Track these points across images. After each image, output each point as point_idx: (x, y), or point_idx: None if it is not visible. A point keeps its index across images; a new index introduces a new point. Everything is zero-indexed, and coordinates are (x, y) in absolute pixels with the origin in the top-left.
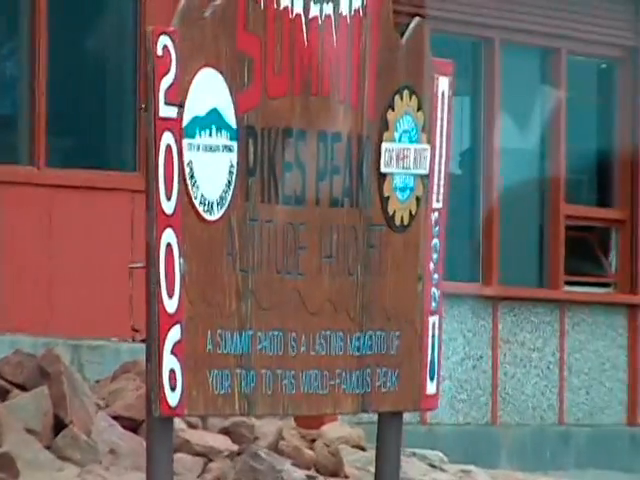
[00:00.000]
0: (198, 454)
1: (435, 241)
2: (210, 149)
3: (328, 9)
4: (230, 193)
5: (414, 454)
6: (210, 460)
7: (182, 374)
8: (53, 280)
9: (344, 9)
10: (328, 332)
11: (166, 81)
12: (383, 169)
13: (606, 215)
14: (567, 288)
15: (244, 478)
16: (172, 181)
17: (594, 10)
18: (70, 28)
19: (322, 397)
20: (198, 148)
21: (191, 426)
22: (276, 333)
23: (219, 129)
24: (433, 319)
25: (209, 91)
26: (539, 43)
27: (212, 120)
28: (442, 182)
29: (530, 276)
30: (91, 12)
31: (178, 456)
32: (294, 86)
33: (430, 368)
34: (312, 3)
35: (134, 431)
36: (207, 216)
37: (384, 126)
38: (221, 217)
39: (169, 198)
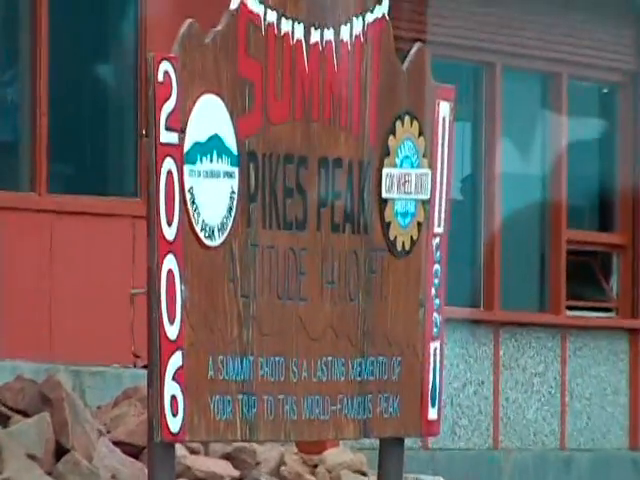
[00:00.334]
0: None
1: (436, 266)
2: (211, 175)
3: (329, 35)
4: (231, 219)
5: (416, 479)
6: None
7: (183, 400)
8: (54, 306)
9: (345, 35)
10: (329, 358)
11: (167, 107)
12: (384, 194)
13: (607, 240)
14: (569, 313)
15: None
16: (173, 207)
17: (595, 35)
18: (71, 54)
19: (324, 423)
20: (199, 174)
21: (193, 452)
22: (277, 359)
23: (220, 155)
24: (434, 345)
25: (210, 117)
26: (540, 68)
27: (213, 146)
28: (443, 207)
29: (531, 301)
30: (92, 38)
31: None
32: (295, 112)
33: (432, 394)
34: (313, 29)
35: (136, 457)
36: (208, 242)
37: (385, 151)
38: (222, 243)
39: (170, 224)
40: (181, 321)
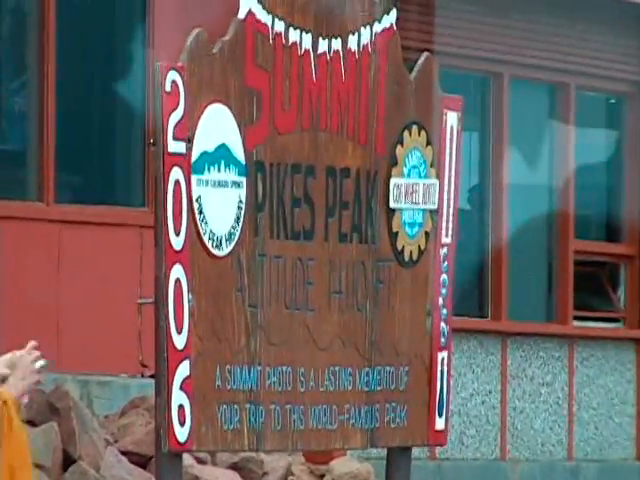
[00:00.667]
0: None
1: (444, 276)
2: (219, 184)
3: (337, 45)
4: (239, 229)
5: None
6: None
7: (191, 409)
8: (62, 315)
9: (352, 45)
10: (337, 367)
11: (175, 116)
12: (392, 204)
13: (615, 250)
14: (576, 323)
15: None
16: (181, 217)
17: (603, 45)
18: (79, 63)
19: (331, 432)
20: (207, 184)
21: (200, 462)
22: (285, 368)
23: (228, 164)
24: (442, 354)
25: (218, 126)
26: (548, 78)
27: (221, 155)
28: (451, 217)
29: (539, 311)
30: (100, 47)
31: None
32: (303, 121)
33: (439, 403)
34: (320, 39)
35: (143, 466)
36: (216, 251)
37: (393, 161)
38: (230, 252)
39: (178, 234)
40: (188, 331)
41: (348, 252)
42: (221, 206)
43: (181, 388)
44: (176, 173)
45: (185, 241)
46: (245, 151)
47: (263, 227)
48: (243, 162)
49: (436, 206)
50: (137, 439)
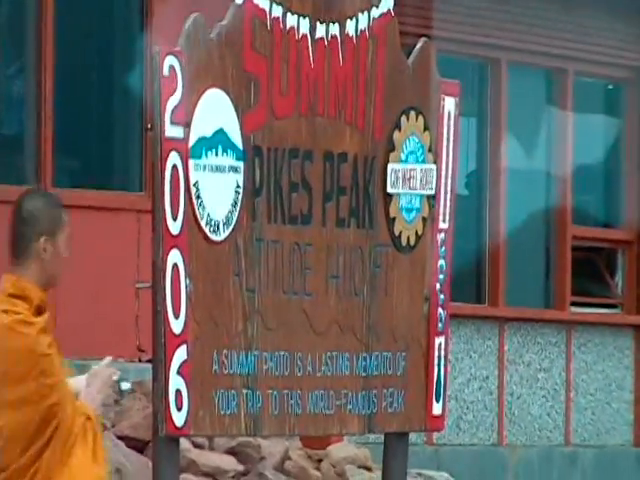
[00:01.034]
0: (204, 474)
1: (441, 262)
2: (216, 169)
3: (334, 30)
4: (236, 213)
5: (420, 475)
6: None
7: (188, 394)
8: (59, 300)
9: (350, 30)
10: (334, 352)
11: (172, 101)
12: (389, 190)
13: (613, 236)
14: (574, 309)
15: None
16: (178, 201)
17: (601, 31)
18: (77, 48)
19: (328, 417)
20: (204, 168)
21: (197, 446)
22: (282, 353)
23: (225, 149)
24: (439, 340)
25: (215, 111)
26: (546, 64)
27: (218, 140)
28: (448, 203)
29: (536, 297)
30: (98, 32)
31: (184, 476)
32: (300, 106)
33: (436, 389)
34: (318, 24)
35: (140, 451)
36: (213, 236)
37: (390, 146)
38: (227, 237)
39: (175, 218)
40: (186, 315)
41: (345, 237)
42: (218, 191)
43: (178, 373)
44: (174, 158)
45: (182, 226)
46: (243, 136)
47: (261, 212)
48: (241, 147)
49: (434, 191)
50: (134, 423)
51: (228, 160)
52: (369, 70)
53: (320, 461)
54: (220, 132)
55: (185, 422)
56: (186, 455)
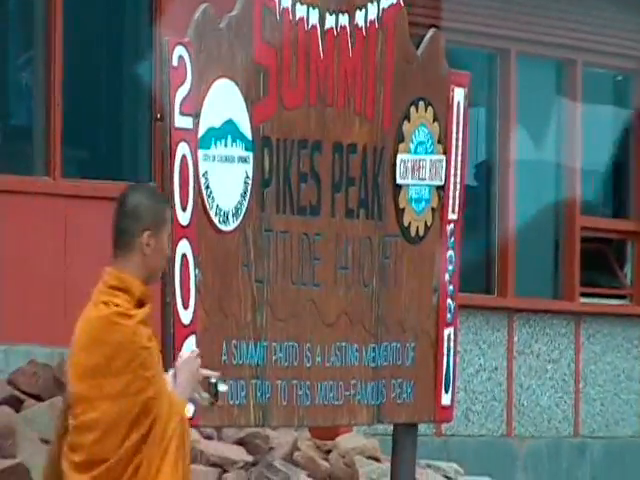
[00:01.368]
0: (213, 465)
1: (450, 252)
2: (225, 160)
3: (344, 20)
4: (245, 204)
5: (429, 466)
6: (225, 471)
7: None
8: (68, 290)
9: (360, 21)
10: (343, 343)
11: (182, 92)
12: (398, 180)
13: (622, 227)
14: (583, 300)
15: None
16: (187, 192)
17: (610, 22)
18: (85, 38)
19: (337, 408)
20: (213, 159)
21: (206, 437)
22: (291, 344)
23: (234, 140)
24: (448, 331)
25: (225, 102)
26: (555, 55)
27: (228, 131)
28: (457, 194)
29: (546, 288)
30: (107, 23)
31: (193, 467)
32: (310, 97)
33: (445, 380)
34: (327, 14)
35: None
36: (222, 227)
37: (399, 137)
38: (236, 228)
39: (184, 209)
40: (195, 306)
41: (354, 228)
42: (228, 181)
43: None
44: (183, 148)
45: (192, 216)
46: (252, 126)
47: (270, 202)
48: (250, 137)
49: (443, 182)
50: None
51: (237, 150)
52: (378, 61)
53: (329, 452)
54: (229, 122)
55: (194, 413)
56: (195, 446)
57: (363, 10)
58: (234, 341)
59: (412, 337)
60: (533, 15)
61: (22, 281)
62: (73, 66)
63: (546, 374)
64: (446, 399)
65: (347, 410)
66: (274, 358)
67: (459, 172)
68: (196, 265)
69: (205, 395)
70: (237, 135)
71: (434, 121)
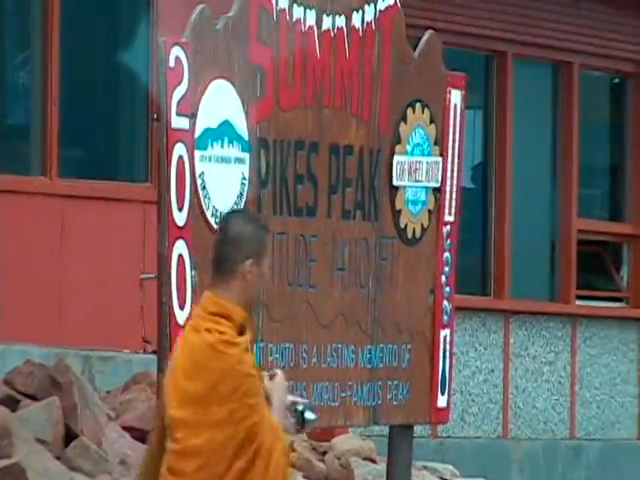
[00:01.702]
0: None
1: (447, 254)
2: (222, 160)
3: (340, 22)
4: (242, 205)
5: (425, 467)
6: None
7: None
8: (64, 290)
9: (356, 22)
10: (339, 344)
11: (178, 92)
12: (395, 182)
13: (618, 230)
14: (579, 302)
15: None
16: (184, 192)
17: (607, 25)
18: (82, 39)
19: (333, 409)
20: (210, 159)
21: None
22: (287, 345)
23: (231, 141)
24: (444, 332)
25: (221, 103)
26: (552, 57)
27: (224, 132)
28: (454, 195)
29: (542, 290)
30: (104, 23)
31: None
32: (306, 98)
33: (441, 381)
34: (324, 15)
35: (145, 442)
36: None
37: (396, 139)
38: None
39: (181, 209)
40: (191, 307)
41: (351, 229)
42: (224, 182)
43: None
44: (179, 149)
45: (188, 217)
46: (249, 127)
47: (266, 203)
48: (246, 138)
49: (439, 184)
50: (139, 415)
51: (234, 151)
52: (375, 62)
53: (325, 453)
54: (226, 123)
55: None
56: None
57: (360, 11)
58: None
59: (408, 339)
60: (530, 17)
61: (18, 281)
62: (70, 66)
63: (542, 376)
64: (442, 401)
65: (343, 411)
66: (270, 359)
67: (456, 174)
68: (192, 266)
69: (292, 420)
70: (234, 136)
71: (431, 123)
